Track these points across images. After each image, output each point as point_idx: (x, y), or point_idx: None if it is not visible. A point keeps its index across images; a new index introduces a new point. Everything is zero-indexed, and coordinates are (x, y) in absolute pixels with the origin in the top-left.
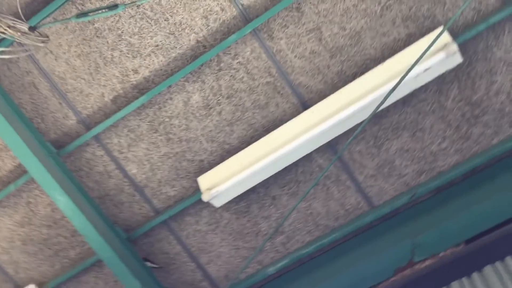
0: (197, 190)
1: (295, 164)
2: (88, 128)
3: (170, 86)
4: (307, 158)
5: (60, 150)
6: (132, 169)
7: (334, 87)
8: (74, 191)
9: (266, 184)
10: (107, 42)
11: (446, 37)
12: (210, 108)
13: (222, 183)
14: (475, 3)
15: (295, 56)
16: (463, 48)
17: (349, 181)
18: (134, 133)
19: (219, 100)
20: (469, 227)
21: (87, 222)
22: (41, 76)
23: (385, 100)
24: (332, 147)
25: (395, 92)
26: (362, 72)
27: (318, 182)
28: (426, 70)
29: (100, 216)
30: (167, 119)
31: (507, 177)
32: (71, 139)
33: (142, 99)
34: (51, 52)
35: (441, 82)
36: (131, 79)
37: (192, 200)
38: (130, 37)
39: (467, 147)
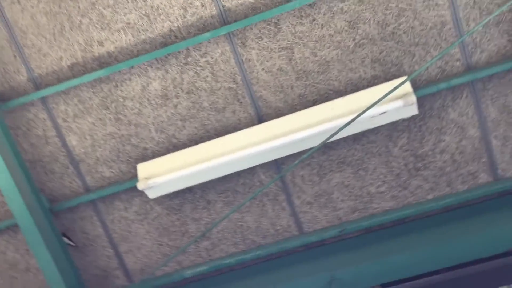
0: (134, 177)
1: (238, 174)
2: (37, 88)
3: (132, 67)
4: (251, 171)
5: (2, 103)
6: (73, 140)
7: (292, 108)
8: (6, 148)
9: (204, 187)
10: (79, 7)
11: (407, 87)
12: (167, 99)
13: (161, 175)
14: (441, 62)
15: (263, 69)
16: (420, 102)
17: (286, 203)
18: (84, 104)
19: (178, 93)
20: (385, 273)
21: (12, 183)
22: (2, 24)
23: (337, 133)
24: (277, 166)
25: (348, 127)
26: (322, 101)
27: (255, 197)
28: (382, 113)
29: (28, 180)
30: (121, 99)
31: (433, 233)
32: (17, 95)
33: (101, 73)
34: (18, 2)
35: (393, 129)
36: (94, 50)
37: (127, 186)
38: (104, 8)
39: (402, 196)
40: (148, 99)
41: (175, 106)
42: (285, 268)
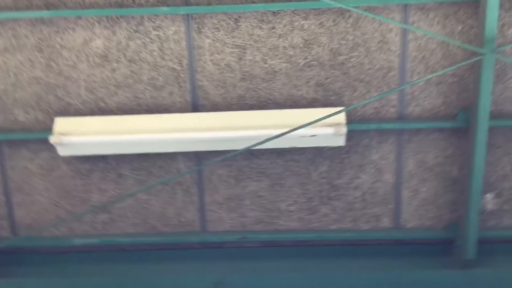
0: (49, 129)
1: (157, 156)
2: None
3: (79, 18)
4: (172, 156)
5: None
6: None
7: (229, 106)
8: None
9: (120, 159)
10: None
11: (341, 118)
12: (107, 60)
13: (78, 135)
14: (378, 104)
15: (211, 60)
16: (349, 135)
17: (197, 197)
18: (18, 40)
19: (119, 58)
20: None
21: None
22: None
23: (265, 142)
24: (198, 159)
25: (276, 140)
26: (259, 107)
27: (168, 183)
28: (311, 136)
29: None
30: (58, 46)
31: (328, 261)
32: None
33: (45, 13)
34: None
35: (317, 154)
36: None
37: (39, 136)
38: None
39: (308, 220)
40: (86, 55)
41: (113, 70)
42: (177, 261)
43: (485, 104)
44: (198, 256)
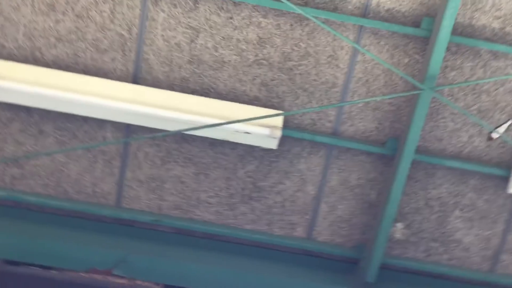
0: None
1: (84, 120)
2: None
3: None
4: (100, 123)
5: None
6: None
7: (170, 86)
8: None
9: (44, 115)
10: None
11: (278, 121)
12: (53, 10)
13: (5, 80)
14: (316, 116)
15: (162, 36)
16: (282, 141)
17: (118, 170)
18: None
19: (67, 11)
20: (175, 277)
21: None
22: None
23: (198, 129)
24: (128, 132)
25: (210, 130)
26: (200, 94)
27: (90, 149)
28: (246, 132)
29: None
30: None
31: (227, 259)
32: None
33: None
34: None
35: (248, 152)
36: None
37: None
38: None
39: (225, 215)
40: (33, 0)
41: (57, 22)
42: (84, 231)
43: (414, 138)
44: (107, 230)
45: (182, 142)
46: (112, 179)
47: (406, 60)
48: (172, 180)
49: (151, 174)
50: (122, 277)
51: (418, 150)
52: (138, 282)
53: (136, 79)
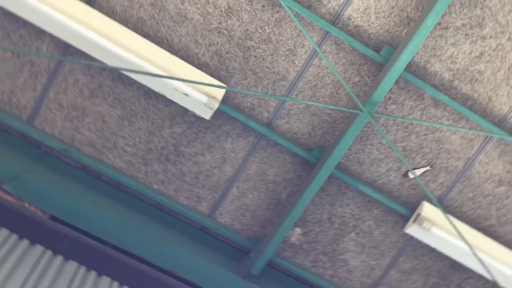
0: None
1: (24, 25)
2: None
3: None
4: (39, 33)
5: None
6: None
7: (124, 21)
8: None
9: None
10: None
11: (219, 94)
12: None
13: None
14: (257, 101)
15: None
16: (217, 114)
17: (41, 87)
18: None
19: None
20: (56, 208)
21: None
22: None
23: (137, 72)
24: (65, 52)
25: (149, 79)
26: (152, 40)
27: (19, 55)
28: (184, 94)
29: None
30: None
31: (128, 212)
32: None
33: None
34: None
35: (180, 114)
36: None
37: None
38: None
39: (137, 168)
40: None
41: None
42: None
43: (339, 153)
44: (11, 142)
45: (118, 82)
46: (32, 93)
47: (356, 79)
48: (94, 116)
49: (75, 103)
50: (10, 194)
51: (339, 166)
52: (26, 204)
53: (91, 2)
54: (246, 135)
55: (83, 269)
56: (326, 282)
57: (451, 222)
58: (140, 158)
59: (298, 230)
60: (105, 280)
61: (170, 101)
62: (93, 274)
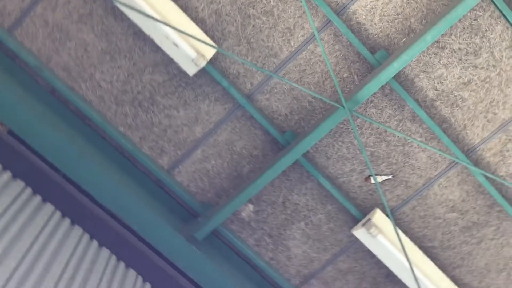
0: None
1: None
2: None
3: None
4: None
5: None
6: None
7: None
8: None
9: None
10: None
11: (209, 54)
12: None
13: None
14: (244, 72)
15: None
16: (201, 74)
17: (30, 0)
18: None
19: None
20: (15, 123)
21: None
22: None
23: (130, 8)
24: None
25: (141, 18)
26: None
27: None
28: (174, 43)
29: None
30: None
31: (92, 153)
32: None
33: None
34: None
35: (165, 63)
36: None
37: None
38: None
39: (107, 106)
40: None
41: None
42: None
43: (309, 142)
44: None
45: (110, 14)
46: (20, 3)
47: (345, 75)
48: (77, 42)
49: (61, 24)
50: None
51: (306, 155)
52: None
53: None
54: (224, 101)
55: (29, 190)
56: (265, 263)
57: (397, 234)
58: (113, 96)
59: (250, 206)
60: (49, 206)
61: (158, 48)
62: (38, 198)
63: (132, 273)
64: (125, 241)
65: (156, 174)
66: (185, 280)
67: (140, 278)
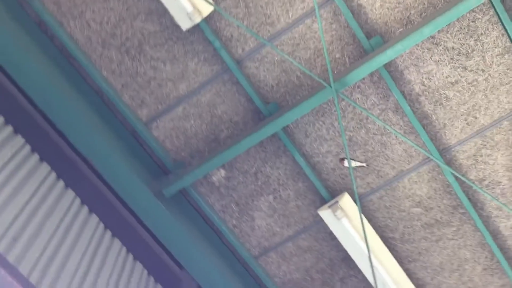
0: None
1: None
2: None
3: None
4: None
5: None
6: None
7: None
8: None
9: None
10: None
11: (206, 11)
12: None
13: None
14: (238, 36)
15: None
16: (194, 30)
17: None
18: None
19: None
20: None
21: None
22: None
23: None
24: None
25: None
26: None
27: None
28: None
29: None
30: None
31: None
32: None
33: None
34: None
35: (159, 13)
36: None
37: None
38: None
39: (93, 48)
40: None
41: None
42: None
43: (291, 117)
44: None
45: None
46: None
47: (337, 55)
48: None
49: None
50: None
51: (286, 129)
52: None
53: None
54: (213, 63)
55: (1, 119)
56: (228, 229)
57: (361, 220)
58: (101, 39)
59: (222, 172)
60: (19, 138)
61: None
62: (9, 128)
63: (100, 225)
64: (103, 197)
65: (133, 125)
66: (151, 239)
67: (109, 232)
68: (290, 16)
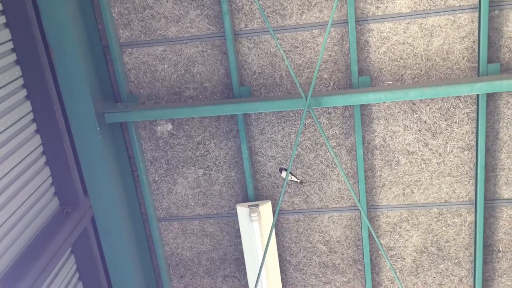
0: None
1: None
2: None
3: None
4: None
5: None
6: None
7: None
8: None
9: None
10: None
11: None
12: None
13: None
14: (247, 12)
15: None
16: None
17: None
18: None
19: None
20: None
21: None
22: None
23: None
24: None
25: None
26: None
27: None
28: None
29: None
30: None
31: None
32: None
33: None
34: None
35: None
36: None
37: None
38: None
39: None
40: None
41: None
42: None
43: (257, 108)
44: None
45: None
46: None
47: (325, 76)
48: None
49: None
50: None
51: (246, 117)
52: None
53: None
54: (213, 23)
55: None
56: (146, 181)
57: (270, 233)
58: None
59: (169, 126)
60: None
61: None
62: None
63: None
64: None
65: (109, 40)
66: (71, 155)
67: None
68: (303, 18)
